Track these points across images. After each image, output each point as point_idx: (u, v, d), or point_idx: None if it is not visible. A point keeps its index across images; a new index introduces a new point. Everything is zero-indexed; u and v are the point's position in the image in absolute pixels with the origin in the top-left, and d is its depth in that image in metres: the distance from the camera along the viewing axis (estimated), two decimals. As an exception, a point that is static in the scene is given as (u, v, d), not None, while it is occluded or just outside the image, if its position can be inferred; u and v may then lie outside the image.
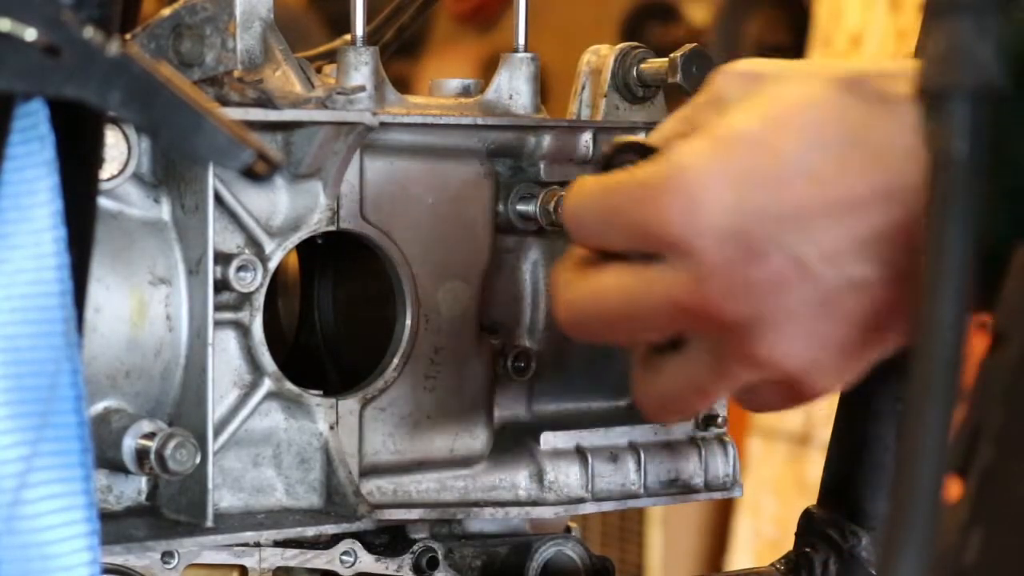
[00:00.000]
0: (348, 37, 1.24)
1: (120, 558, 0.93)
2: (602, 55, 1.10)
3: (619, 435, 1.09)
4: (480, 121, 1.03)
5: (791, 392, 0.88)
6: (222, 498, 0.97)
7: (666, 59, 1.07)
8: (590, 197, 0.89)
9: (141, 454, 0.92)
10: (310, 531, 0.97)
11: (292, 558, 1.00)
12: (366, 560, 1.02)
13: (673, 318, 0.86)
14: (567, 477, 1.07)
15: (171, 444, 0.91)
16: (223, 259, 0.95)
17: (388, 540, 1.04)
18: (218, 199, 0.96)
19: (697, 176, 0.83)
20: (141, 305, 0.94)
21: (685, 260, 0.84)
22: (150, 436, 0.92)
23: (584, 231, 0.89)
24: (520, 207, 1.05)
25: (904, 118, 0.78)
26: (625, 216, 0.86)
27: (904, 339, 0.81)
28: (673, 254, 0.84)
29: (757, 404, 0.91)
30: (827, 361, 0.85)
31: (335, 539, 1.01)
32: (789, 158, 0.82)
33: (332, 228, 1.00)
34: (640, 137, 1.01)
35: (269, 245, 0.98)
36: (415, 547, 1.04)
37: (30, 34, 0.64)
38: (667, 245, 0.84)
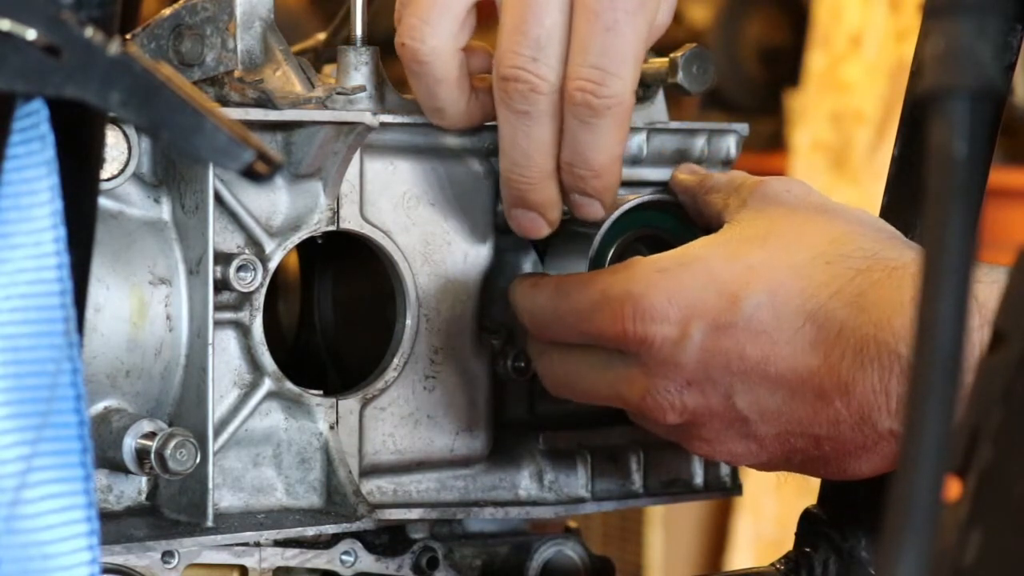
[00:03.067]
0: (320, 36, 1.24)
1: (120, 558, 0.93)
2: (602, 55, 1.10)
3: (619, 435, 1.09)
4: (480, 121, 1.03)
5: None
6: (222, 498, 0.97)
7: (666, 59, 1.07)
8: (546, 299, 0.99)
9: (141, 454, 0.92)
10: (310, 531, 0.97)
11: (292, 558, 1.00)
12: (366, 560, 1.02)
13: (621, 405, 0.98)
14: (567, 477, 1.07)
15: (171, 444, 0.91)
16: (223, 259, 0.95)
17: (388, 540, 1.04)
18: (218, 199, 0.96)
19: (655, 303, 0.94)
20: (141, 305, 0.94)
21: (640, 367, 0.95)
22: (150, 436, 0.92)
23: (540, 328, 1.00)
24: None
25: (858, 308, 0.89)
26: (583, 323, 0.97)
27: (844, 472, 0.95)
28: (632, 357, 0.96)
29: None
30: (751, 463, 0.98)
31: (335, 539, 1.01)
32: (747, 313, 0.92)
33: (332, 228, 1.00)
34: (657, 197, 1.04)
35: (269, 245, 0.98)
36: (415, 547, 1.04)
37: (30, 34, 0.64)
38: (620, 348, 0.96)
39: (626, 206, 1.03)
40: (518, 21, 0.95)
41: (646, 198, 1.04)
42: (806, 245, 0.93)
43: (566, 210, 1.02)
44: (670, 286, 0.94)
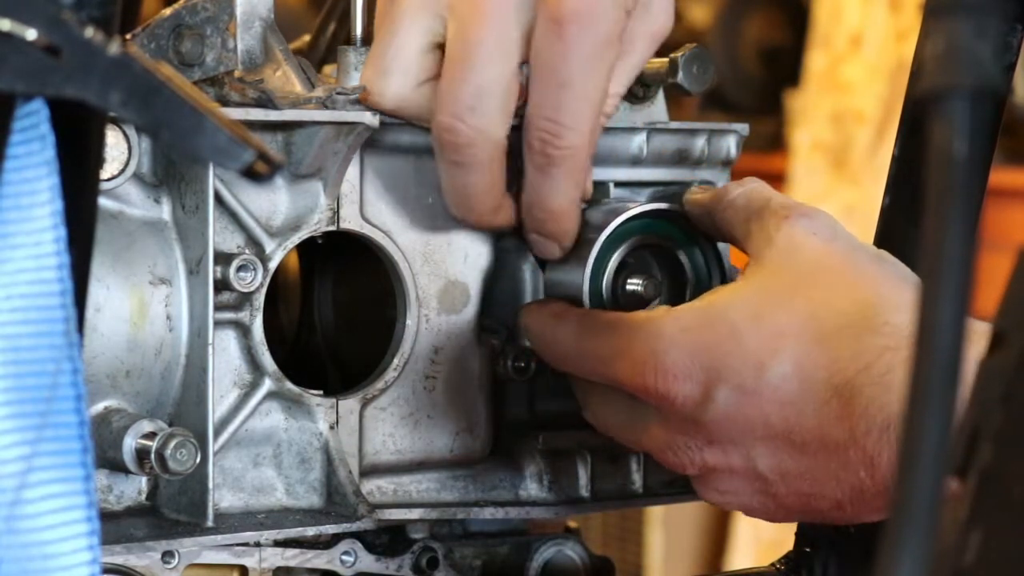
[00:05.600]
0: (307, 38, 1.25)
1: (120, 558, 0.93)
2: (602, 55, 1.10)
3: (619, 435, 1.08)
4: (480, 121, 1.03)
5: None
6: (222, 498, 0.97)
7: (666, 59, 1.07)
8: (568, 334, 0.99)
9: (141, 454, 0.92)
10: (310, 531, 0.97)
11: (292, 558, 1.00)
12: (366, 560, 1.02)
13: (641, 450, 1.00)
14: (567, 477, 1.07)
15: (171, 444, 0.91)
16: (223, 259, 0.95)
17: (388, 540, 1.04)
18: (218, 199, 0.96)
19: (678, 362, 0.93)
20: (141, 305, 0.94)
21: (660, 420, 0.95)
22: (150, 436, 0.92)
23: (559, 362, 1.00)
24: None
25: (886, 386, 0.89)
26: (603, 367, 0.97)
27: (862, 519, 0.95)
28: (653, 409, 0.96)
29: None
30: (768, 517, 0.97)
31: (335, 539, 1.01)
32: (773, 383, 0.91)
33: (332, 228, 1.00)
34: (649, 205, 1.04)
35: (269, 245, 0.98)
36: (415, 547, 1.04)
37: (31, 34, 0.64)
38: (647, 401, 0.96)
39: (626, 215, 1.02)
40: (459, 69, 0.94)
41: (647, 207, 1.03)
42: (835, 311, 0.92)
43: None
44: (693, 345, 0.93)
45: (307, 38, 1.26)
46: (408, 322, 1.02)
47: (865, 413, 0.89)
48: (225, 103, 0.97)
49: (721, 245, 1.05)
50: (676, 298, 1.03)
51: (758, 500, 0.95)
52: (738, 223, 0.99)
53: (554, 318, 1.00)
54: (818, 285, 0.94)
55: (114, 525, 0.93)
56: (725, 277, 1.04)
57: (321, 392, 1.00)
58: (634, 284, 1.03)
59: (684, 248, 1.04)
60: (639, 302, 1.02)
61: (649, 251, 1.04)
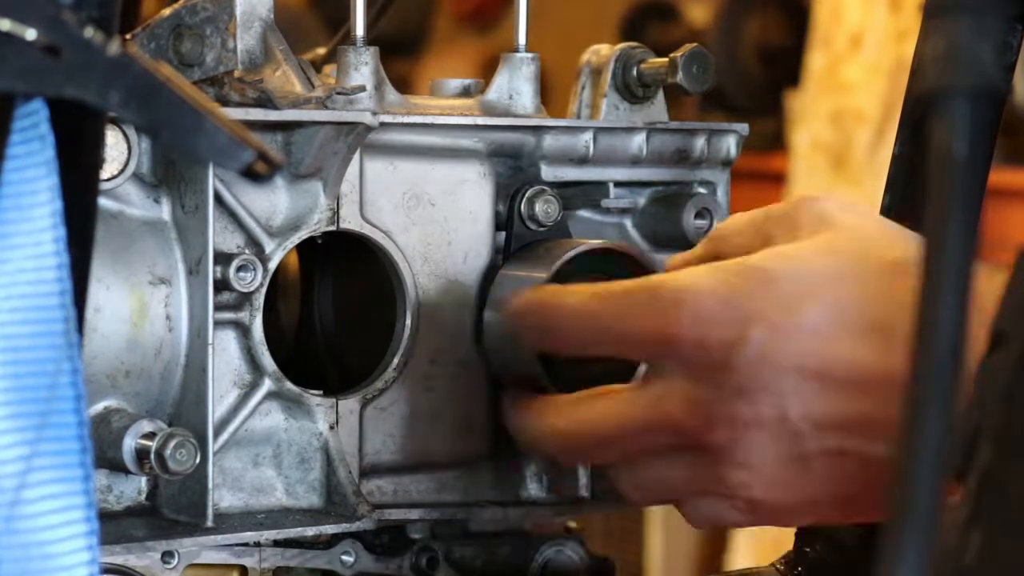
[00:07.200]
0: (321, 51, 1.25)
1: (120, 558, 0.93)
2: (602, 55, 1.10)
3: (619, 435, 1.08)
4: (480, 121, 1.03)
5: (744, 514, 0.94)
6: (222, 498, 0.97)
7: (666, 59, 1.07)
8: (578, 304, 0.94)
9: (141, 454, 0.92)
10: (310, 531, 0.97)
11: (292, 558, 1.00)
12: (366, 560, 1.02)
13: (664, 436, 0.92)
14: (567, 477, 1.07)
15: (171, 444, 0.91)
16: (223, 259, 0.95)
17: (388, 540, 1.04)
18: (218, 199, 0.96)
19: (712, 306, 0.89)
20: (141, 305, 0.94)
21: (685, 376, 0.90)
22: (150, 436, 0.92)
23: (564, 339, 0.96)
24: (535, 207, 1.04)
25: None
26: (624, 323, 0.92)
27: (875, 515, 0.90)
28: (674, 367, 0.91)
29: (703, 516, 0.95)
30: (789, 504, 0.92)
31: (335, 539, 1.01)
32: (812, 319, 0.88)
33: (332, 228, 1.00)
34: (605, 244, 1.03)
35: (269, 245, 0.98)
36: (415, 547, 1.04)
37: (30, 34, 0.64)
38: (672, 356, 0.91)
39: (572, 253, 1.01)
40: None
41: (609, 245, 1.03)
42: (873, 259, 0.90)
43: (534, 229, 1.03)
44: (726, 291, 0.89)
45: (321, 51, 1.26)
46: (408, 322, 1.02)
47: (903, 349, 0.87)
48: (225, 103, 0.97)
49: None
50: None
51: (786, 470, 0.90)
52: (751, 240, 0.96)
53: (559, 292, 0.97)
54: (854, 240, 0.92)
55: (114, 525, 0.93)
56: None
57: (321, 392, 1.00)
58: None
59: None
60: None
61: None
